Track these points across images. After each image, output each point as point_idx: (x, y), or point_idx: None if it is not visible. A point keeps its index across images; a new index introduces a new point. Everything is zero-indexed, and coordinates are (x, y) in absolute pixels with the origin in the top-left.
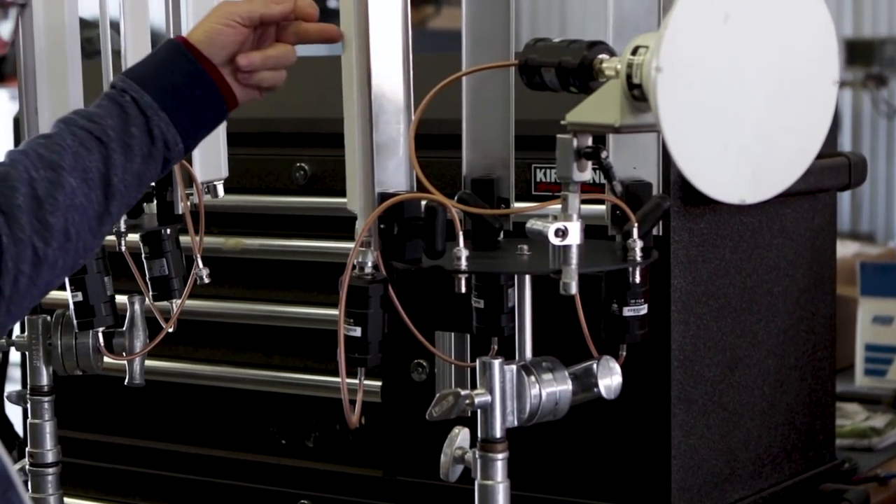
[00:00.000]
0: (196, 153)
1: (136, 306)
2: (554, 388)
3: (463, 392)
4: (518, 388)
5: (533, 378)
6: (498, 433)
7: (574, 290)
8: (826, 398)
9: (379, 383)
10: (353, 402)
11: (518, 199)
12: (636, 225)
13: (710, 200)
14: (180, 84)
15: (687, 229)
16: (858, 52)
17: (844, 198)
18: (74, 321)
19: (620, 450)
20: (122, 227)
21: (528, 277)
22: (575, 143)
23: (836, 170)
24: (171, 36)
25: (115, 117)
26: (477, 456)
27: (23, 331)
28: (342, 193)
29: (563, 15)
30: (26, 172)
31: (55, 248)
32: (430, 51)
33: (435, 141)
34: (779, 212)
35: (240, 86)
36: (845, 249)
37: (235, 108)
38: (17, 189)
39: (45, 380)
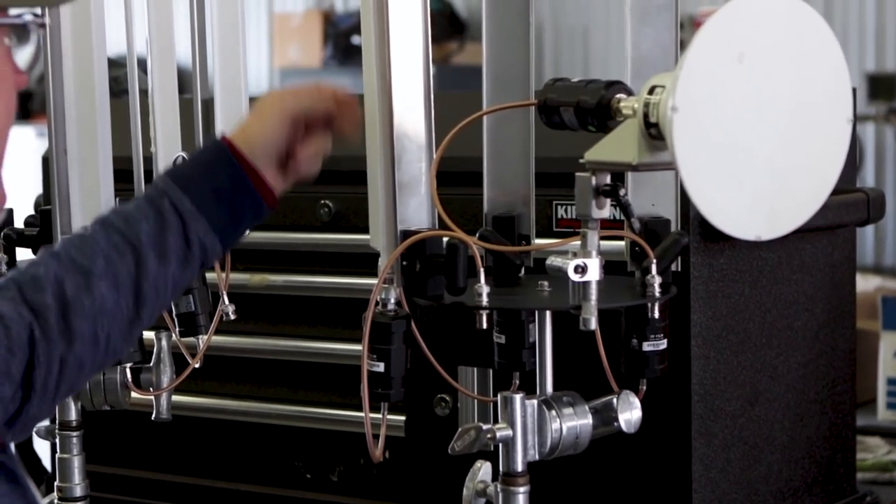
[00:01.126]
0: None
1: (163, 342)
2: (574, 422)
3: (485, 426)
4: (539, 423)
5: (554, 412)
6: (519, 467)
7: (594, 325)
8: (846, 432)
9: (403, 418)
10: (376, 437)
11: (540, 235)
12: (655, 261)
13: (728, 236)
14: (222, 188)
15: (706, 265)
16: (881, 87)
17: (868, 232)
18: None
19: (641, 484)
20: None
21: (548, 313)
22: (594, 180)
23: (854, 205)
24: (198, 75)
25: (151, 221)
26: (499, 490)
27: None
28: (365, 230)
29: (586, 53)
30: (57, 276)
31: (81, 352)
32: (454, 86)
33: (456, 178)
34: (798, 247)
35: (280, 178)
36: (867, 284)
37: (274, 207)
38: (45, 290)
39: (73, 415)
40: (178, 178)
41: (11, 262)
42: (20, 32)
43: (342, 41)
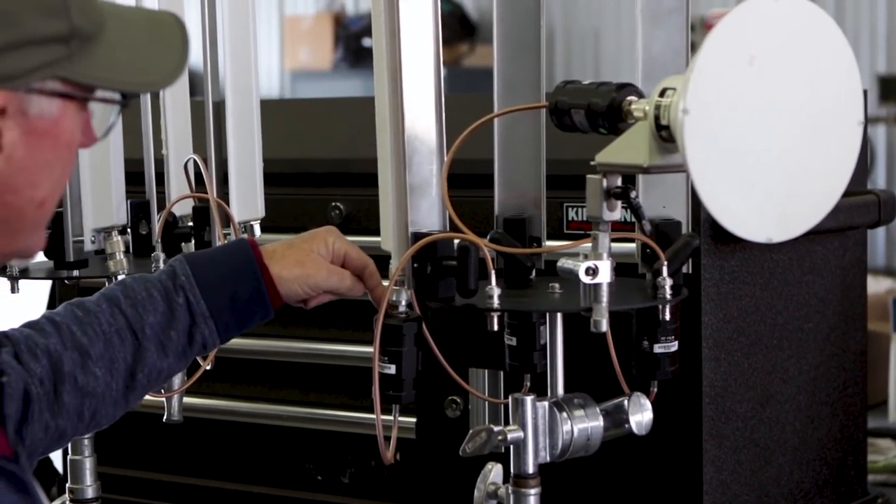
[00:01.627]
0: (233, 193)
1: None
2: (585, 424)
3: (496, 428)
4: (550, 425)
5: (565, 414)
6: (530, 469)
7: (605, 327)
8: (857, 434)
9: (414, 420)
10: (387, 439)
11: (550, 238)
12: (666, 263)
13: (739, 238)
14: (240, 297)
15: (717, 267)
16: (892, 89)
17: (879, 234)
18: None
19: (652, 486)
20: (162, 266)
21: (559, 315)
22: (604, 183)
23: (865, 207)
24: (209, 77)
25: (159, 315)
26: (510, 491)
27: None
28: (377, 233)
29: (596, 56)
30: (55, 348)
31: (64, 425)
32: (465, 88)
33: (467, 180)
34: (808, 249)
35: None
36: (878, 286)
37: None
38: (41, 360)
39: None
40: (199, 276)
41: (25, 268)
42: (105, 108)
43: (353, 43)
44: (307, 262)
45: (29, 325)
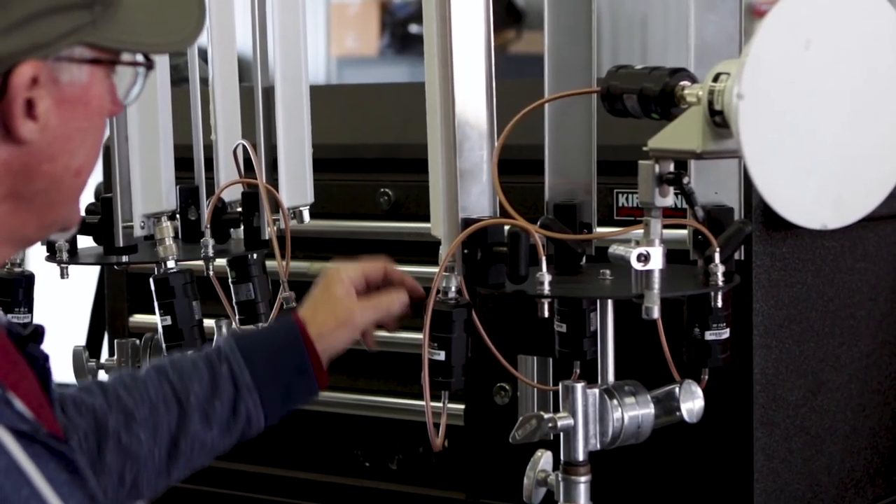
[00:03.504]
0: (282, 179)
1: (224, 330)
2: (636, 411)
3: (546, 415)
4: (601, 412)
5: (615, 401)
6: (581, 456)
7: (656, 314)
8: None
9: (462, 406)
10: (436, 425)
11: (600, 224)
12: (718, 250)
13: (791, 225)
14: (284, 370)
15: (769, 254)
16: None
17: None
18: (163, 345)
19: (703, 474)
20: (211, 252)
21: (610, 302)
22: (657, 168)
23: None
24: (258, 64)
25: (203, 384)
26: (560, 479)
27: (112, 354)
28: (426, 219)
29: (644, 41)
30: (100, 407)
31: (105, 484)
32: (511, 75)
33: (518, 166)
34: (861, 236)
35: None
36: None
37: (324, 388)
38: (86, 416)
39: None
40: (243, 348)
41: (73, 250)
42: (130, 72)
43: (399, 30)
44: (338, 311)
45: (78, 387)
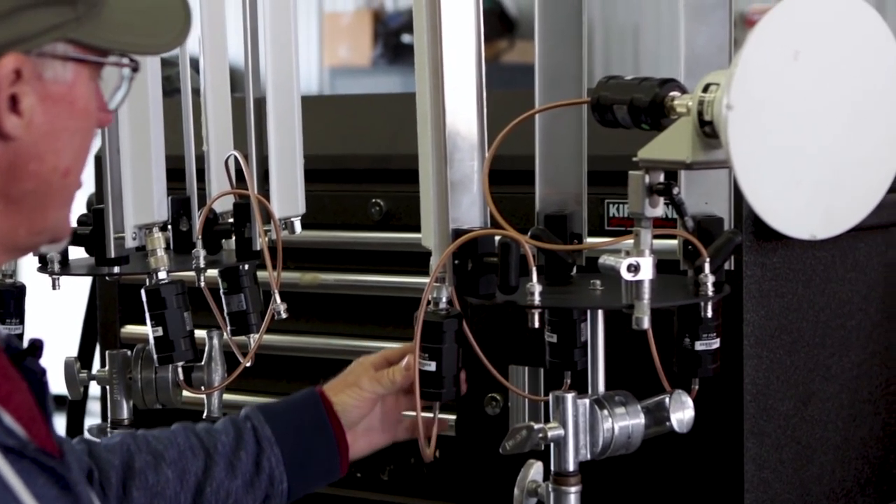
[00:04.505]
0: (274, 190)
1: (215, 341)
2: (626, 421)
3: (536, 426)
4: (591, 422)
5: (606, 412)
6: (571, 467)
7: (646, 324)
8: None
9: (454, 417)
10: (428, 436)
11: (591, 234)
12: (708, 260)
13: (782, 235)
14: (304, 427)
15: (759, 264)
16: None
17: None
18: (154, 356)
19: (693, 484)
20: (202, 263)
21: (600, 312)
22: (647, 179)
23: None
24: (250, 74)
25: (230, 436)
26: (550, 489)
27: (103, 365)
28: (417, 229)
29: (636, 51)
30: (129, 448)
31: None
32: (504, 84)
33: (508, 177)
34: (852, 246)
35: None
36: None
37: (344, 473)
38: (114, 453)
39: (125, 413)
40: (264, 409)
41: (64, 261)
42: (116, 75)
43: (392, 40)
44: (354, 378)
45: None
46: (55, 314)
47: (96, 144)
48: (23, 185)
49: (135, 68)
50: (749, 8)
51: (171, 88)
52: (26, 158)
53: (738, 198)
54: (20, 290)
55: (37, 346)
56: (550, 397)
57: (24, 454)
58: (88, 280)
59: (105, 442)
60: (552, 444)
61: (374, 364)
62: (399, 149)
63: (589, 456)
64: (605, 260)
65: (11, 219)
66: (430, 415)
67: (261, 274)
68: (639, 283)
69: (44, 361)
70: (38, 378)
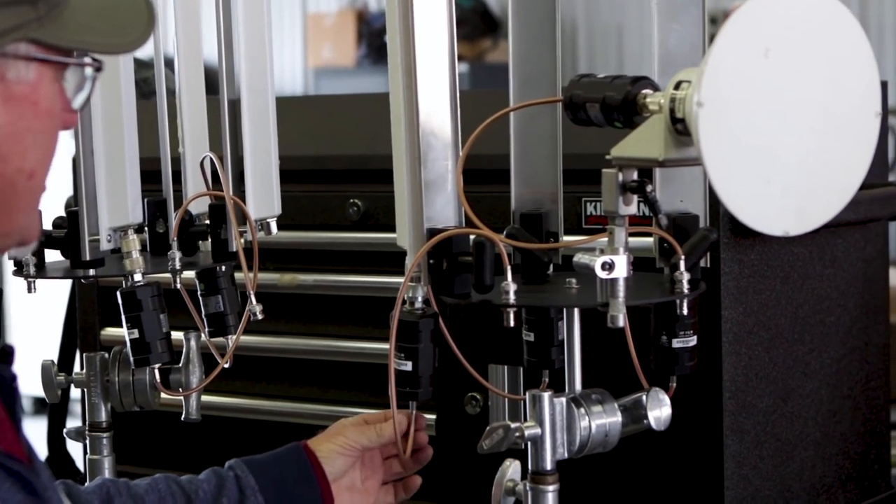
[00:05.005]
0: (249, 191)
1: (192, 342)
2: (604, 420)
3: (513, 425)
4: (568, 421)
5: (583, 410)
6: (548, 465)
7: (622, 322)
8: (880, 427)
9: (434, 416)
10: (405, 436)
11: (569, 233)
12: (683, 257)
13: (759, 232)
14: (288, 478)
15: (737, 261)
16: None
17: None
18: (131, 358)
19: (673, 481)
20: (178, 264)
21: (576, 310)
22: (620, 177)
23: (886, 200)
24: (224, 75)
25: (211, 485)
26: (528, 488)
27: (81, 368)
28: (395, 229)
29: (620, 51)
30: (108, 491)
31: None
32: (488, 84)
33: (484, 176)
34: (829, 242)
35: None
36: None
37: None
38: (94, 496)
39: (103, 416)
40: (248, 461)
41: (40, 263)
42: (79, 75)
43: (376, 40)
44: (339, 429)
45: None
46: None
47: (68, 147)
48: None
49: (98, 68)
50: (732, 5)
51: (148, 90)
52: None
53: (714, 195)
54: None
55: (7, 351)
56: (527, 396)
57: None
58: (69, 283)
59: (87, 486)
60: (529, 443)
61: (355, 423)
62: (377, 149)
63: (566, 455)
64: (580, 258)
65: None
66: (407, 411)
67: (238, 275)
68: (613, 281)
69: (26, 364)
70: (8, 384)
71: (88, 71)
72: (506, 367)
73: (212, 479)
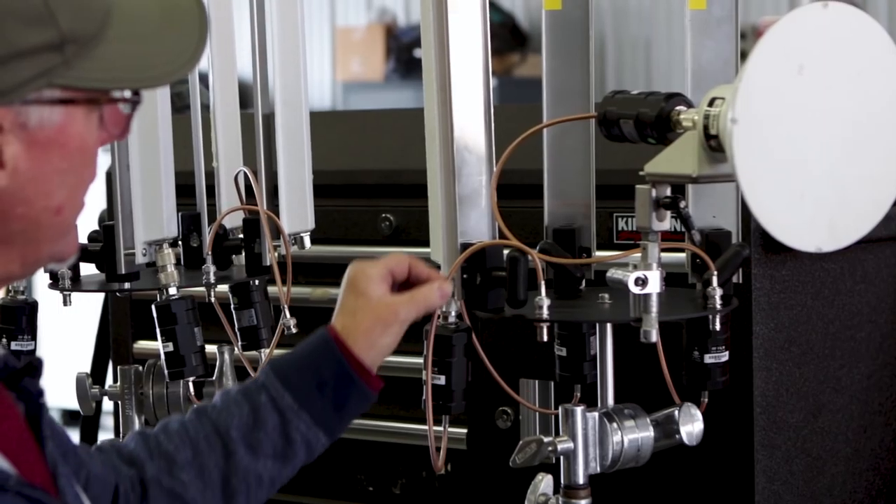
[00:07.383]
0: (283, 205)
1: (226, 356)
2: (636, 434)
3: (546, 439)
4: (600, 435)
5: (615, 425)
6: (581, 480)
7: (654, 337)
8: None
9: (465, 430)
10: (438, 449)
11: (600, 248)
12: (715, 273)
13: (790, 248)
14: (326, 381)
15: (768, 276)
16: None
17: None
18: (165, 371)
19: (704, 497)
20: (212, 278)
21: (609, 325)
22: (653, 193)
23: None
24: (259, 90)
25: (244, 416)
26: (560, 502)
27: (115, 381)
28: (427, 243)
29: (648, 66)
30: (141, 456)
31: None
32: (516, 98)
33: (517, 191)
34: (860, 258)
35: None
36: None
37: (381, 388)
38: (127, 465)
39: (137, 428)
40: (279, 372)
41: (76, 277)
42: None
43: (405, 54)
44: (381, 313)
45: (123, 440)
46: (69, 330)
47: (104, 161)
48: (11, 227)
49: (135, 102)
50: (760, 20)
51: (181, 104)
52: (13, 203)
53: (746, 211)
54: (32, 307)
55: (35, 365)
56: (560, 410)
57: (6, 488)
58: (101, 296)
59: (119, 447)
60: (562, 458)
61: (385, 282)
62: (409, 164)
63: (599, 469)
64: (613, 273)
65: (4, 255)
66: (441, 428)
67: (271, 289)
68: (646, 296)
69: (59, 377)
70: (35, 399)
71: (123, 106)
72: (537, 381)
73: (244, 408)
